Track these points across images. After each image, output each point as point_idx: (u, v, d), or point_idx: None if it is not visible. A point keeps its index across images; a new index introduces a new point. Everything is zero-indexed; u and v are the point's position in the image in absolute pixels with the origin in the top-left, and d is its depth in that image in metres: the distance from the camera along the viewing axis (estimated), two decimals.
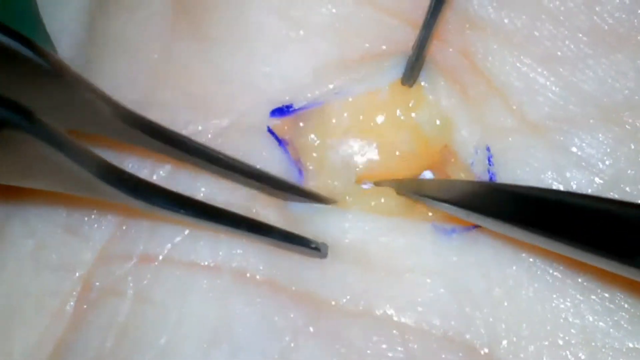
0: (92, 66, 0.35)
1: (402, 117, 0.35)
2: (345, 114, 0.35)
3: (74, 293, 0.34)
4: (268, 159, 0.34)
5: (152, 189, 0.31)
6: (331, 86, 0.35)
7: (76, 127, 0.29)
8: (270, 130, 0.34)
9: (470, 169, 0.34)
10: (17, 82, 0.26)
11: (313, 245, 0.33)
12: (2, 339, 0.34)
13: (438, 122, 0.34)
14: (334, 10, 0.34)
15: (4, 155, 0.26)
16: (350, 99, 0.35)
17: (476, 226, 0.33)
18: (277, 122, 0.35)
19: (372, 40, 0.34)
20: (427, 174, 0.35)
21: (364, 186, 0.35)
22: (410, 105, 0.34)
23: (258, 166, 0.34)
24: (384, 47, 0.34)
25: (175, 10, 0.35)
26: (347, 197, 0.34)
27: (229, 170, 0.33)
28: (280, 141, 0.35)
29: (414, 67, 0.34)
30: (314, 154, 0.35)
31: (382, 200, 0.34)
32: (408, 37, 0.34)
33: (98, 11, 0.35)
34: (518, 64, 0.33)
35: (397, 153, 0.35)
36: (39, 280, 0.34)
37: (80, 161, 0.27)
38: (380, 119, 0.35)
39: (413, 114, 0.35)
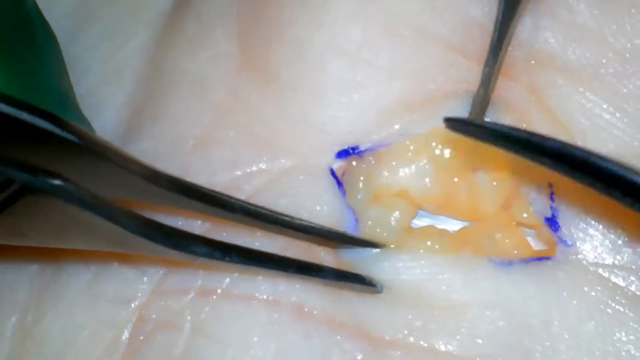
0: (155, 101, 0.35)
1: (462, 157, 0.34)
2: (409, 154, 0.34)
3: (129, 325, 0.34)
4: (327, 201, 0.34)
5: (193, 239, 0.30)
6: (397, 127, 0.34)
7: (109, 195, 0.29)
8: (332, 173, 0.34)
9: (532, 206, 0.34)
10: (47, 157, 0.26)
11: (367, 281, 0.33)
12: None
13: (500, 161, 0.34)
14: (398, 52, 0.34)
15: (35, 219, 0.26)
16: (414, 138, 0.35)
17: (536, 259, 0.33)
18: (340, 164, 0.35)
19: (438, 80, 0.34)
20: None
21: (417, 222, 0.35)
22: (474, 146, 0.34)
23: (306, 216, 0.34)
24: (450, 85, 0.34)
25: (241, 49, 0.35)
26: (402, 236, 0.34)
27: (277, 225, 0.33)
28: (340, 183, 0.34)
29: (480, 105, 0.34)
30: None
31: (436, 238, 0.34)
32: (474, 75, 0.34)
33: (162, 49, 0.35)
34: (584, 101, 0.32)
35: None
36: (94, 313, 0.34)
37: (114, 219, 0.27)
38: (443, 158, 0.34)
39: (476, 155, 0.34)
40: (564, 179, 0.32)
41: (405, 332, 0.33)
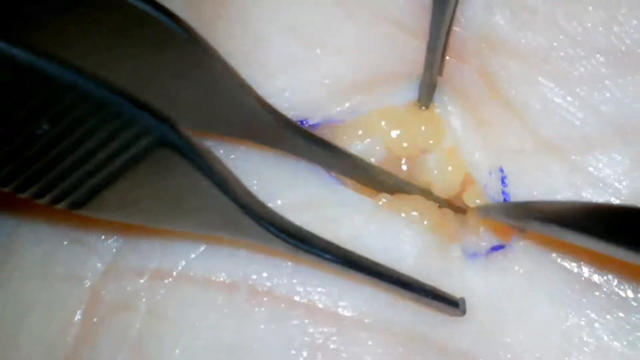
0: None
1: (411, 140, 0.35)
2: (360, 132, 0.35)
3: (82, 305, 0.33)
4: (284, 172, 0.34)
5: (299, 232, 0.30)
6: (347, 105, 0.35)
7: (220, 130, 0.29)
8: None
9: (484, 191, 0.34)
10: (165, 70, 0.25)
11: (454, 301, 0.32)
12: (9, 350, 0.33)
13: (450, 144, 0.35)
14: (350, 29, 0.34)
15: (155, 186, 0.24)
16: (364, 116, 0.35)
17: (492, 248, 0.33)
18: None
19: (389, 60, 0.34)
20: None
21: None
22: (422, 128, 0.35)
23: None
24: (401, 66, 0.34)
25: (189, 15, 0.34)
26: None
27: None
28: None
29: (427, 89, 0.34)
30: None
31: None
32: (424, 56, 0.34)
33: None
34: (536, 85, 0.33)
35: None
36: (46, 292, 0.33)
37: (230, 194, 0.26)
38: (391, 137, 0.35)
39: (426, 136, 0.35)
40: (517, 161, 0.33)
41: (368, 315, 0.33)
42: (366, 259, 0.31)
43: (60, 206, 0.24)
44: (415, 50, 0.34)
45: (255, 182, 0.34)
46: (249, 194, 0.27)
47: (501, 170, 0.34)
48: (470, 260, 0.33)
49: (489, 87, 0.34)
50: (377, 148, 0.35)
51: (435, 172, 0.34)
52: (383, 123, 0.34)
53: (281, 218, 0.29)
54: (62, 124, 0.21)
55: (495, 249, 0.33)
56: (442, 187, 0.35)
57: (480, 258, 0.33)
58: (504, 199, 0.34)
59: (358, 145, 0.35)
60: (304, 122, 0.34)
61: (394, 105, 0.35)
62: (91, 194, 0.24)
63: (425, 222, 0.34)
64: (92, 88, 0.21)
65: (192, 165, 0.24)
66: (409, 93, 0.35)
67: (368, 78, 0.34)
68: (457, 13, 0.33)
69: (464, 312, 0.32)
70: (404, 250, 0.33)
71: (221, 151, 0.34)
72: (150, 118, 0.22)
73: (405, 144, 0.34)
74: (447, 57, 0.34)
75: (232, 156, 0.34)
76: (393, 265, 0.32)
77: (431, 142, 0.34)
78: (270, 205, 0.31)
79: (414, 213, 0.34)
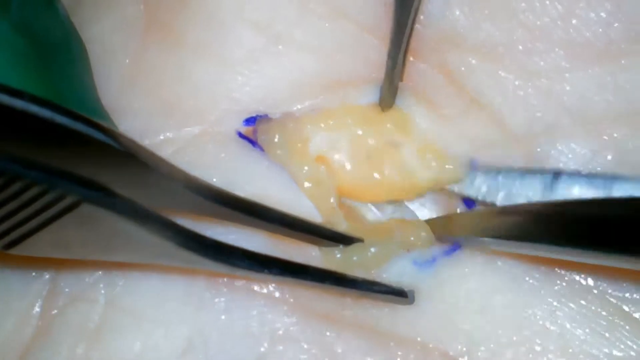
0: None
1: (377, 137, 0.35)
2: (322, 125, 0.35)
3: (40, 298, 0.33)
4: (244, 163, 0.34)
5: (235, 252, 0.31)
6: (307, 103, 0.35)
7: (152, 204, 0.29)
8: (240, 135, 0.34)
9: (459, 183, 0.34)
10: (91, 165, 0.26)
11: (401, 293, 0.33)
12: None
13: (423, 139, 0.35)
14: (314, 28, 0.34)
15: (83, 231, 0.27)
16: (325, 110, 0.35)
17: (454, 249, 0.34)
18: (248, 129, 0.35)
19: (352, 61, 0.35)
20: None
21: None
22: (387, 127, 0.35)
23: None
24: (364, 68, 0.35)
25: (147, 14, 0.35)
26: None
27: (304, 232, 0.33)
28: (253, 143, 0.34)
29: (388, 92, 0.34)
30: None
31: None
32: (385, 58, 0.34)
33: (72, 15, 0.35)
34: (497, 78, 0.33)
35: (376, 175, 0.35)
36: (3, 284, 0.33)
37: (160, 232, 0.28)
38: (356, 134, 0.35)
39: (391, 138, 0.35)
40: (486, 153, 0.33)
41: (328, 305, 0.33)
42: (309, 267, 0.32)
43: None
44: (377, 52, 0.34)
45: (214, 180, 0.33)
46: (180, 228, 0.29)
47: (474, 162, 0.34)
48: (420, 268, 0.34)
49: (452, 83, 0.34)
50: (342, 142, 0.35)
51: (413, 165, 0.35)
52: (349, 120, 0.35)
53: (210, 242, 0.30)
54: None
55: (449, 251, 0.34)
56: (421, 177, 0.35)
57: (433, 264, 0.34)
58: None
59: (323, 138, 0.35)
60: (264, 116, 0.34)
61: (356, 105, 0.35)
62: (23, 238, 0.27)
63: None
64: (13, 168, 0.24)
65: (114, 214, 0.26)
66: (371, 95, 0.35)
67: (330, 78, 0.35)
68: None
69: (412, 301, 0.33)
70: None
71: None
72: (70, 183, 0.25)
73: (371, 141, 0.35)
74: (408, 57, 0.34)
75: None
76: None
77: (399, 139, 0.35)
78: None
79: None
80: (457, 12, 0.33)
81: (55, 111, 0.24)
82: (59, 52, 0.32)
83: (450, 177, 0.34)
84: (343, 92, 0.35)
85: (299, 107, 0.35)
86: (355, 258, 0.33)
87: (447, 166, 0.34)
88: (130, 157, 0.27)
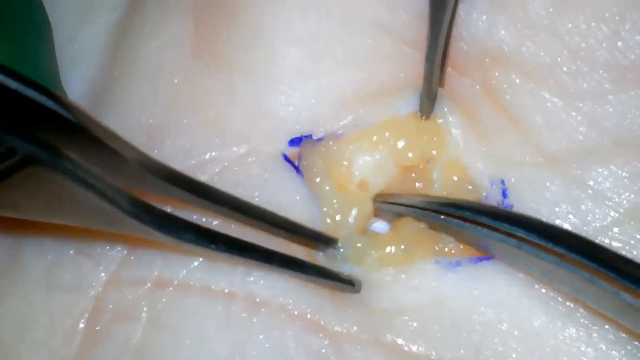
0: (113, 88, 0.35)
1: (415, 150, 0.35)
2: (366, 145, 0.35)
3: (86, 314, 0.34)
4: (285, 188, 0.34)
5: (182, 224, 0.31)
6: (350, 117, 0.35)
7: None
8: (286, 158, 0.35)
9: (484, 201, 0.34)
10: (41, 134, 0.26)
11: (346, 280, 0.33)
12: (12, 358, 0.34)
13: (453, 155, 0.34)
14: (352, 44, 0.34)
15: (31, 192, 0.26)
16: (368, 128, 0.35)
17: (483, 259, 0.33)
18: (294, 151, 0.35)
19: (392, 72, 0.34)
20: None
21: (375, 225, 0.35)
22: (425, 138, 0.34)
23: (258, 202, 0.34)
24: (402, 79, 0.34)
25: (196, 35, 0.35)
26: (358, 244, 0.34)
27: (258, 220, 0.33)
28: (297, 168, 0.35)
29: (427, 99, 0.34)
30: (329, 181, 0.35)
31: (388, 250, 0.34)
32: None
33: (121, 33, 0.35)
34: (539, 99, 0.33)
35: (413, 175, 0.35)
36: (50, 301, 0.34)
37: (107, 197, 0.28)
38: (397, 148, 0.35)
39: (429, 146, 0.35)
40: (518, 173, 0.33)
41: (359, 327, 0.33)
42: (257, 246, 0.32)
43: None
44: (416, 61, 0.34)
45: (256, 193, 0.34)
46: (120, 192, 0.29)
47: (502, 182, 0.34)
48: (446, 269, 0.34)
49: (492, 100, 0.34)
50: (387, 162, 0.35)
51: (438, 183, 0.34)
52: (387, 134, 0.34)
53: (157, 212, 0.30)
54: None
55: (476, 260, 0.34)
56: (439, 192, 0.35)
57: (459, 268, 0.34)
58: None
59: (368, 159, 0.35)
60: (307, 137, 0.34)
61: (396, 116, 0.35)
62: None
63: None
64: None
65: (61, 175, 0.26)
66: (411, 104, 0.35)
67: (371, 91, 0.34)
68: (461, 28, 0.33)
69: (359, 290, 0.33)
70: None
71: None
72: (17, 140, 0.24)
73: (410, 154, 0.34)
74: (450, 70, 0.34)
75: None
76: None
77: (434, 152, 0.34)
78: None
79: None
80: (503, 32, 0.33)
81: (8, 76, 0.24)
82: (21, 21, 0.32)
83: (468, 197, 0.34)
84: (383, 102, 0.35)
85: (342, 123, 0.35)
86: (373, 252, 0.34)
87: (468, 187, 0.34)
88: (82, 129, 0.27)
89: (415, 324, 0.33)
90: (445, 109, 0.35)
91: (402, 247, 0.34)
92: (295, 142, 0.34)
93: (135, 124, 0.35)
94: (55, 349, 0.34)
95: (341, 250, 0.34)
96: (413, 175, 0.35)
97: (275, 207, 0.33)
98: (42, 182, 0.26)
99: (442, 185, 0.34)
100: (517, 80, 0.33)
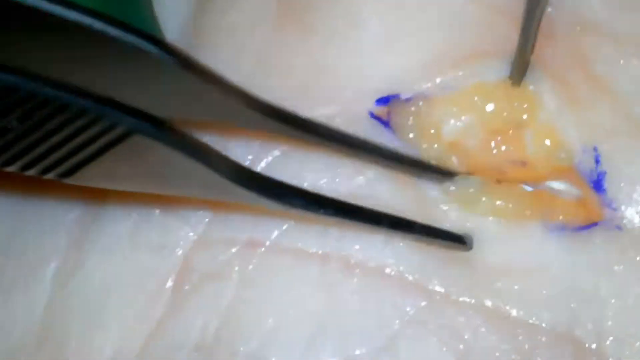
0: (196, 51, 0.35)
1: (506, 115, 0.35)
2: (454, 108, 0.35)
3: (173, 274, 0.33)
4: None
5: (291, 191, 0.31)
6: (438, 80, 0.35)
7: (200, 117, 0.29)
8: (373, 115, 0.34)
9: (577, 168, 0.34)
10: (142, 81, 0.26)
11: (458, 237, 0.33)
12: (99, 319, 0.33)
13: (544, 121, 0.35)
14: (442, 8, 0.34)
15: (131, 162, 0.27)
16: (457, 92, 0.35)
17: (590, 225, 0.33)
18: (381, 110, 0.35)
19: (481, 38, 0.34)
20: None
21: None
22: (515, 104, 0.35)
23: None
24: (492, 45, 0.34)
25: (279, 3, 0.35)
26: (470, 189, 0.34)
27: (372, 154, 0.33)
28: (386, 124, 0.34)
29: (519, 66, 0.34)
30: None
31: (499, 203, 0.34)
32: (516, 37, 0.34)
33: (208, 3, 0.35)
34: (630, 67, 0.33)
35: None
36: (136, 261, 0.33)
37: (214, 165, 0.28)
38: (486, 113, 0.35)
39: (519, 112, 0.35)
40: (610, 140, 0.33)
41: (459, 288, 0.33)
42: (365, 209, 0.32)
43: (50, 176, 0.27)
44: (507, 28, 0.34)
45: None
46: (232, 163, 0.29)
47: (595, 149, 0.34)
48: (553, 235, 0.34)
49: (582, 68, 0.34)
50: (475, 126, 0.35)
51: (532, 147, 0.35)
52: (476, 98, 0.35)
53: (264, 178, 0.30)
54: (28, 122, 0.24)
55: (586, 227, 0.34)
56: (538, 162, 0.35)
57: (565, 233, 0.34)
58: (598, 177, 0.34)
59: (455, 122, 0.35)
60: (395, 96, 0.34)
61: (485, 81, 0.35)
62: (74, 169, 0.27)
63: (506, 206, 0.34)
64: (51, 94, 0.24)
65: (165, 146, 0.26)
66: (501, 70, 0.35)
67: (459, 54, 0.34)
68: None
69: (471, 247, 0.33)
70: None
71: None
72: (117, 113, 0.25)
73: (499, 120, 0.35)
74: (540, 37, 0.34)
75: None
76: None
77: (525, 117, 0.35)
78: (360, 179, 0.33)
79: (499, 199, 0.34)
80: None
81: (109, 23, 0.24)
82: None
83: (561, 166, 0.35)
84: (473, 67, 0.34)
85: (429, 85, 0.34)
86: (484, 199, 0.34)
87: (561, 155, 0.34)
88: (184, 70, 0.26)
89: (516, 287, 0.33)
90: (537, 76, 0.35)
91: (510, 205, 0.34)
92: (382, 101, 0.34)
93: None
94: (141, 309, 0.33)
95: (452, 188, 0.34)
96: (499, 138, 0.35)
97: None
98: (145, 153, 0.26)
99: (534, 149, 0.35)
100: (607, 48, 0.33)
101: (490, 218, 0.34)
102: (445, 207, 0.34)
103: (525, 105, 0.34)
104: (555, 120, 0.34)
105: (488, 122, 0.35)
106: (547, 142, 0.34)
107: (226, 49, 0.35)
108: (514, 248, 0.33)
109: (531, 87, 0.35)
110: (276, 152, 0.34)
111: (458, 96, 0.34)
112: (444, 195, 0.34)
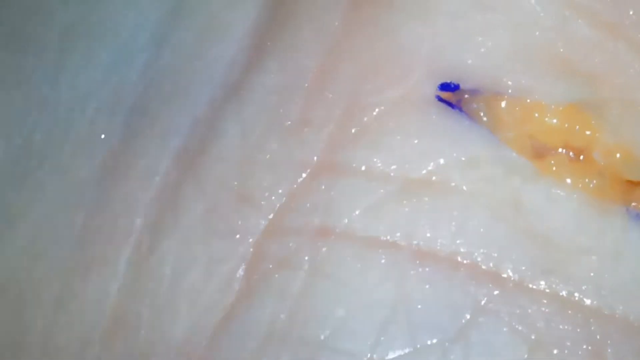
0: (274, 31, 0.34)
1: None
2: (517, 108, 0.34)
3: (244, 262, 0.33)
4: (444, 129, 0.34)
5: None
6: (510, 82, 0.34)
7: None
8: (439, 98, 0.34)
9: None
10: None
11: None
12: (169, 304, 0.33)
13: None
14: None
15: None
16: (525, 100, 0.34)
17: None
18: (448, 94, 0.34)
19: (567, 51, 0.34)
20: None
21: None
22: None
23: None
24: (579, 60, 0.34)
25: None
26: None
27: None
28: (452, 105, 0.34)
29: None
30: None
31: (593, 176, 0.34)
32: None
33: None
34: None
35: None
36: (208, 247, 0.33)
37: None
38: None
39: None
40: None
41: (531, 274, 0.33)
42: None
43: None
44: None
45: (416, 141, 0.33)
46: None
47: None
48: (634, 222, 0.33)
49: None
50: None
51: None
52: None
53: None
54: None
55: None
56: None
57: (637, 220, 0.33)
58: None
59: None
60: (457, 86, 0.34)
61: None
62: None
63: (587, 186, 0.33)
64: None
65: None
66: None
67: (537, 62, 0.34)
68: None
69: None
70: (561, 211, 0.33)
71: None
72: None
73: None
74: None
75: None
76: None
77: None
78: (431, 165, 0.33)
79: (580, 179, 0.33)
80: None
81: None
82: None
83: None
84: (543, 80, 0.34)
85: (498, 83, 0.34)
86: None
87: (637, 169, 0.34)
88: None
89: (592, 274, 0.32)
90: None
91: (595, 181, 0.33)
92: (448, 87, 0.34)
93: (299, 67, 0.34)
94: (212, 295, 0.33)
95: None
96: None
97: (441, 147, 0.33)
98: None
99: (604, 166, 0.34)
100: None
101: (575, 196, 0.33)
102: None
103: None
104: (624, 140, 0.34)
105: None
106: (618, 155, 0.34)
107: (304, 27, 0.35)
108: (593, 232, 0.33)
109: None
110: None
111: (537, 106, 0.34)
112: None
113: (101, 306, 0.33)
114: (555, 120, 0.34)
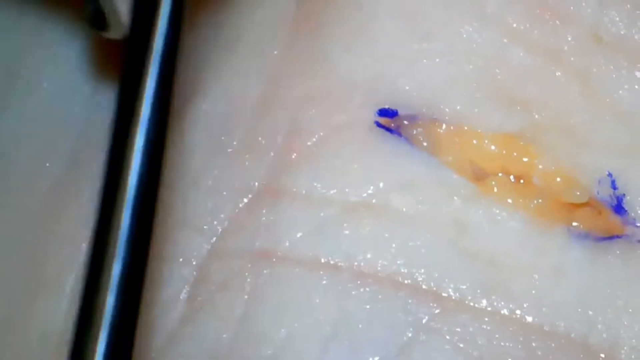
0: (215, 62, 0.36)
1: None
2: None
3: (187, 284, 0.33)
4: (383, 155, 0.34)
5: None
6: (447, 110, 0.35)
7: None
8: (378, 124, 0.35)
9: (597, 197, 0.34)
10: None
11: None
12: None
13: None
14: (460, 31, 0.35)
15: None
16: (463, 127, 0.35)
17: (614, 237, 0.33)
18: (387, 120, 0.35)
19: (504, 78, 0.35)
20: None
21: None
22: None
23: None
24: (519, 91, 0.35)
25: (297, 8, 0.36)
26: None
27: None
28: (391, 130, 0.34)
29: None
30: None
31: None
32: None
33: (226, 6, 0.36)
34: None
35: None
36: (151, 269, 0.33)
37: None
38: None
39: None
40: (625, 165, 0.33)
41: (475, 293, 0.33)
42: None
43: None
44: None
45: (356, 165, 0.34)
46: None
47: (609, 174, 0.34)
48: (575, 241, 0.34)
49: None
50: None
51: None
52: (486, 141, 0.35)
53: None
54: None
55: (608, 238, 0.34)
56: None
57: (587, 241, 0.34)
58: (618, 202, 0.34)
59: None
60: (395, 112, 0.35)
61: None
62: None
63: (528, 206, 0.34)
64: None
65: None
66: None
67: (476, 92, 0.35)
68: None
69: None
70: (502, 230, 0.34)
71: None
72: None
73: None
74: None
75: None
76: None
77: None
78: (370, 188, 0.33)
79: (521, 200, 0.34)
80: None
81: None
82: None
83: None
84: (487, 109, 0.35)
85: (437, 111, 0.35)
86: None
87: (576, 193, 0.34)
88: None
89: (533, 292, 0.33)
90: None
91: (536, 202, 0.34)
92: (387, 113, 0.35)
93: (242, 96, 0.35)
94: (155, 318, 0.33)
95: None
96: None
97: (380, 170, 0.34)
98: None
99: (545, 188, 0.34)
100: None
101: (516, 216, 0.34)
102: None
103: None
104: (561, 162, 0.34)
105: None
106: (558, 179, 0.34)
107: (244, 58, 0.36)
108: (535, 251, 0.33)
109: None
110: None
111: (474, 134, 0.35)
112: None
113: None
114: (493, 147, 0.34)
